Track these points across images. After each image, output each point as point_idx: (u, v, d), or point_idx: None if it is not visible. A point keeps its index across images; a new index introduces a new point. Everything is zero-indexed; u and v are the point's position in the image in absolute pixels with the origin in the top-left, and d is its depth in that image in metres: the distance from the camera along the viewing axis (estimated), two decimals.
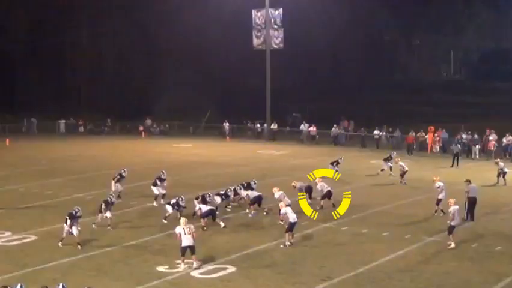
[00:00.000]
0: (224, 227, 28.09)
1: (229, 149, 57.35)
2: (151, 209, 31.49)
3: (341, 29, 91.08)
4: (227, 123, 67.79)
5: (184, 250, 22.81)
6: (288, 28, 67.32)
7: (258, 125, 67.81)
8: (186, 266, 22.69)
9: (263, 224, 29.25)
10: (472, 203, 29.82)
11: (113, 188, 33.27)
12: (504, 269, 23.29)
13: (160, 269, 22.69)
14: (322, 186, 32.54)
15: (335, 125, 63.37)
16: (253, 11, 68.11)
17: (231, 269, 22.80)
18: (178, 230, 23.09)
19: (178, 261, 22.91)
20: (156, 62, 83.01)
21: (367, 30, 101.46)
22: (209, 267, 22.94)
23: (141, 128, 69.75)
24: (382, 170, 42.08)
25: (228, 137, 65.98)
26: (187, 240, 22.80)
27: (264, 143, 62.47)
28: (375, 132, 59.96)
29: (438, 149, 56.06)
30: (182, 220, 23.48)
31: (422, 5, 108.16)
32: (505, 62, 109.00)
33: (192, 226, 23.40)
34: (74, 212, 25.26)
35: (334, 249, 25.29)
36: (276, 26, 66.90)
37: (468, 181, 30.61)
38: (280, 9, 66.50)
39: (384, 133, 60.39)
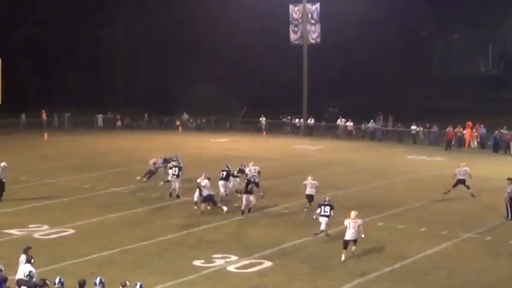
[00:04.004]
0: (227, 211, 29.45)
1: (266, 144, 57.35)
2: (188, 203, 31.56)
3: (378, 24, 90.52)
4: (263, 118, 67.71)
5: (346, 243, 23.19)
6: (324, 22, 67.17)
7: (297, 120, 67.50)
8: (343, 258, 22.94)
9: (299, 219, 29.23)
10: None
11: (221, 189, 32.16)
12: None
13: (197, 263, 22.72)
14: None
15: (371, 120, 63.18)
16: (290, 5, 68.16)
17: (267, 263, 22.82)
18: (346, 222, 23.43)
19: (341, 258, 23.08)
20: (192, 56, 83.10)
21: (404, 25, 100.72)
22: (245, 261, 22.98)
23: (178, 123, 69.99)
24: None
25: (264, 132, 65.96)
26: (350, 234, 23.18)
27: (301, 138, 62.42)
28: (413, 127, 59.58)
29: (476, 144, 55.59)
30: (353, 213, 23.59)
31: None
32: None
33: (359, 221, 23.49)
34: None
35: (370, 244, 25.17)
36: (313, 21, 66.88)
37: (510, 179, 30.33)
38: (318, 4, 66.48)
39: (421, 128, 59.93)
